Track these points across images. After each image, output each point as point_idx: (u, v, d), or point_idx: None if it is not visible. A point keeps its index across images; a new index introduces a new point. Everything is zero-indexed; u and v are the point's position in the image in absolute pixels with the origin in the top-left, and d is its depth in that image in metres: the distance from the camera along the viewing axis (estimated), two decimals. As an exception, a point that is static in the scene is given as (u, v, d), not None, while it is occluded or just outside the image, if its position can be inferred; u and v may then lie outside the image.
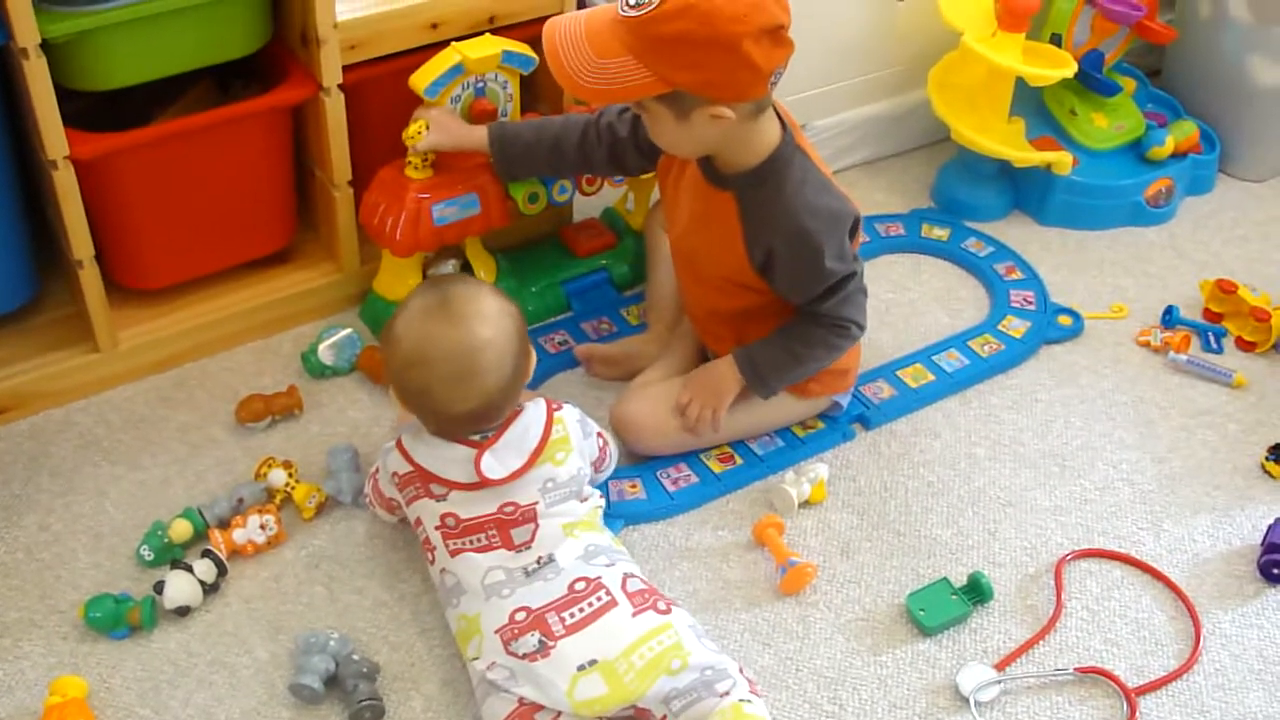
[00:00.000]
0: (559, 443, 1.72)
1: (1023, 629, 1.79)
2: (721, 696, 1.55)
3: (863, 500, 1.96)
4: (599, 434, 1.84)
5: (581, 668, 1.55)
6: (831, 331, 1.89)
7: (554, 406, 1.75)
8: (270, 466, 1.88)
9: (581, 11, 1.74)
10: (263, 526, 1.81)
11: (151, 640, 1.71)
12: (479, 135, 2.00)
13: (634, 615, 1.59)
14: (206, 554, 1.76)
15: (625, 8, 1.66)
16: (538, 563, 1.65)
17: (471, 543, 1.66)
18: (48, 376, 1.99)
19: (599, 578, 1.62)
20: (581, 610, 1.59)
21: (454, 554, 1.67)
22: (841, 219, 1.83)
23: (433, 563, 1.70)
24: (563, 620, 1.58)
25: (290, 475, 1.88)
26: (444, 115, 1.99)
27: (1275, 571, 1.87)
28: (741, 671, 1.59)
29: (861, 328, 1.91)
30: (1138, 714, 1.69)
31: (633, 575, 1.65)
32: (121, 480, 1.91)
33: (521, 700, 1.55)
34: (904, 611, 1.80)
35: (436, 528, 1.68)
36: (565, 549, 1.66)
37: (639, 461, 1.97)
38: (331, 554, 1.83)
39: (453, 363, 1.65)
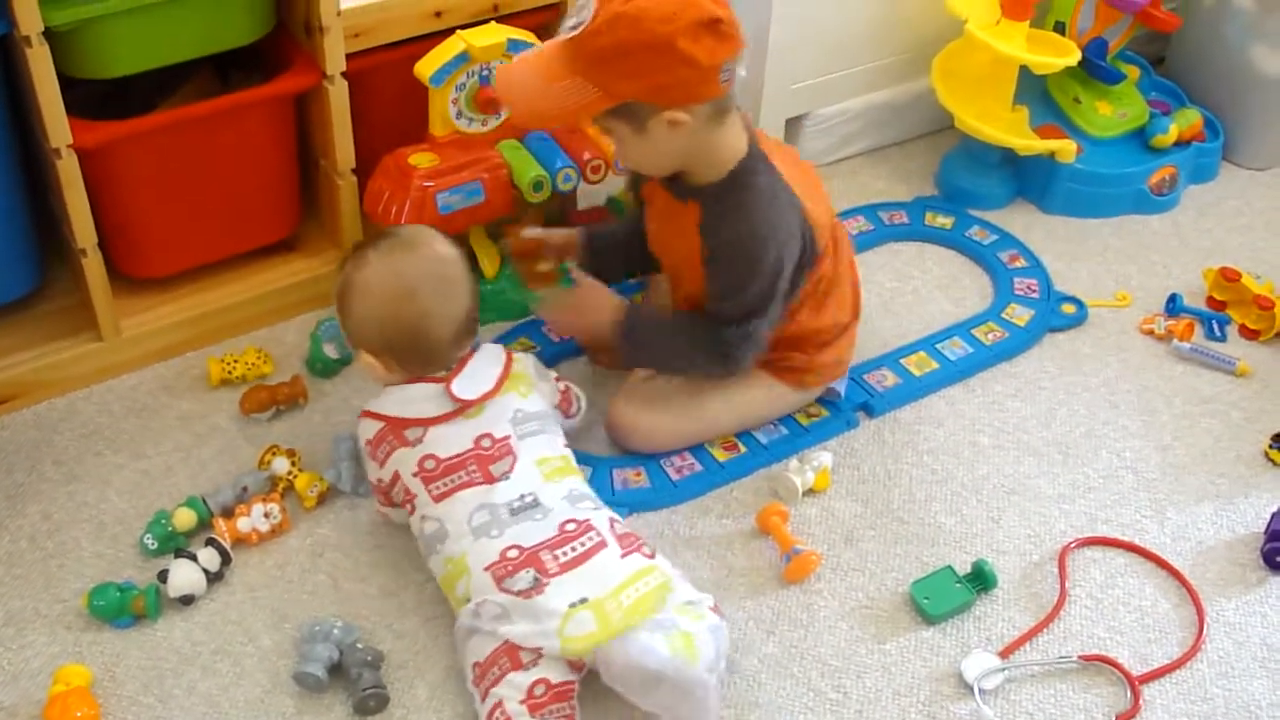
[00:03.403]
0: (520, 377, 1.79)
1: (1026, 617, 1.80)
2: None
3: (866, 488, 1.96)
4: (558, 378, 1.89)
5: (573, 605, 1.57)
6: (718, 351, 1.86)
7: (509, 349, 1.82)
8: (274, 455, 1.89)
9: (529, 49, 1.77)
10: (267, 515, 1.81)
11: (155, 629, 1.72)
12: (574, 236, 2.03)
13: (622, 557, 1.64)
14: (210, 542, 1.76)
15: (565, 30, 1.68)
16: (521, 499, 1.67)
17: (453, 481, 1.69)
18: (51, 365, 1.99)
19: (588, 520, 1.66)
20: (574, 549, 1.63)
21: (437, 499, 1.69)
22: (790, 241, 1.81)
23: (413, 512, 1.72)
24: (556, 558, 1.61)
25: (293, 464, 1.88)
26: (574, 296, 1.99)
27: (1279, 559, 1.87)
28: (715, 608, 1.63)
29: (732, 371, 1.89)
30: (1141, 701, 1.69)
31: (616, 520, 1.70)
32: (125, 469, 1.92)
33: (507, 640, 1.57)
34: (908, 599, 1.80)
35: (415, 474, 1.70)
36: (549, 491, 1.69)
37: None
38: (335, 542, 1.83)
39: (433, 278, 1.73)
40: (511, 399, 1.76)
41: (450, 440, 1.71)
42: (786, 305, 1.88)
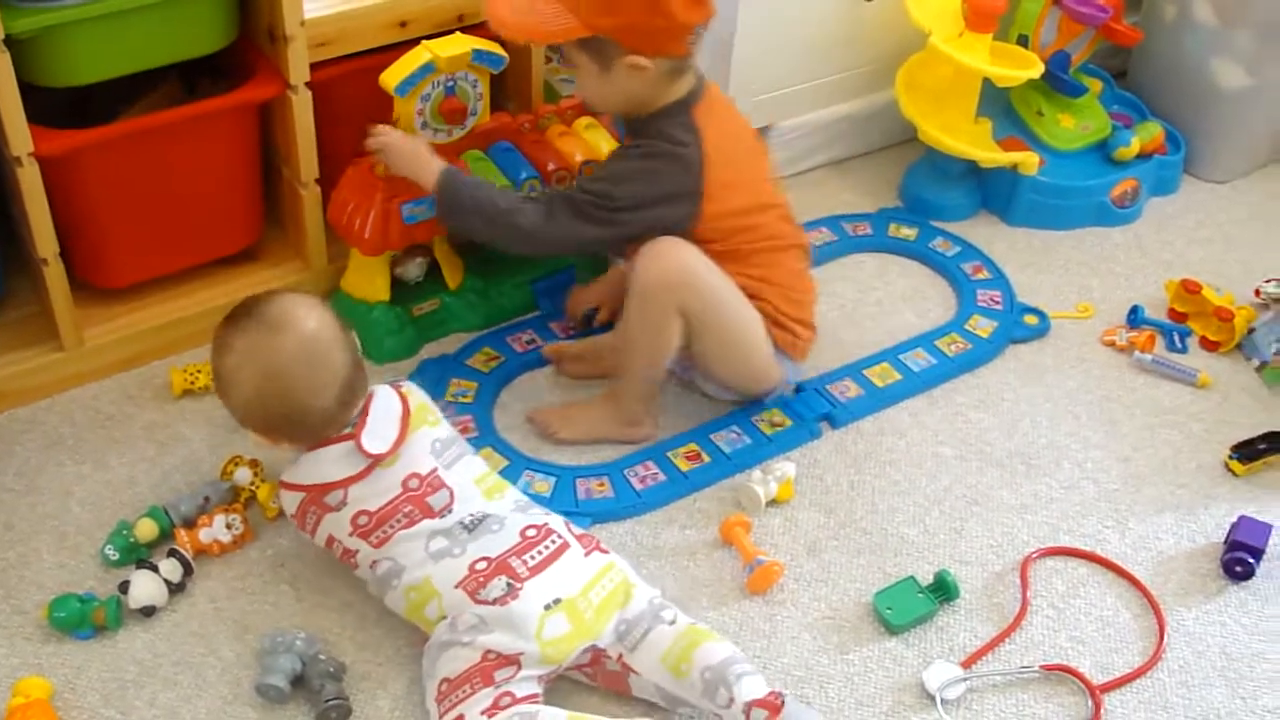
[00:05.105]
0: (423, 408, 1.76)
1: (989, 627, 1.80)
2: (670, 624, 1.64)
3: (830, 499, 1.96)
4: None
5: (548, 606, 1.59)
6: (527, 206, 1.88)
7: (397, 385, 1.78)
8: (237, 465, 1.88)
9: None
10: (229, 526, 1.80)
11: (117, 640, 1.70)
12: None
13: (585, 556, 1.67)
14: (172, 553, 1.75)
15: None
16: (472, 518, 1.67)
17: (393, 526, 1.67)
18: (12, 375, 1.98)
19: (546, 524, 1.68)
20: (540, 553, 1.65)
21: (379, 544, 1.67)
22: (664, 167, 1.86)
23: (356, 567, 1.71)
24: (525, 563, 1.63)
25: (255, 474, 1.87)
26: (409, 144, 1.98)
27: (1238, 569, 1.88)
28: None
29: (541, 227, 1.86)
30: (1102, 711, 1.70)
31: (568, 522, 1.72)
32: (87, 479, 1.90)
33: (485, 654, 1.57)
34: (871, 610, 1.81)
35: (351, 534, 1.68)
36: (496, 505, 1.71)
37: (607, 460, 1.97)
38: (297, 553, 1.82)
39: (299, 358, 1.66)
40: (424, 433, 1.73)
41: (376, 492, 1.68)
42: (658, 227, 1.88)
